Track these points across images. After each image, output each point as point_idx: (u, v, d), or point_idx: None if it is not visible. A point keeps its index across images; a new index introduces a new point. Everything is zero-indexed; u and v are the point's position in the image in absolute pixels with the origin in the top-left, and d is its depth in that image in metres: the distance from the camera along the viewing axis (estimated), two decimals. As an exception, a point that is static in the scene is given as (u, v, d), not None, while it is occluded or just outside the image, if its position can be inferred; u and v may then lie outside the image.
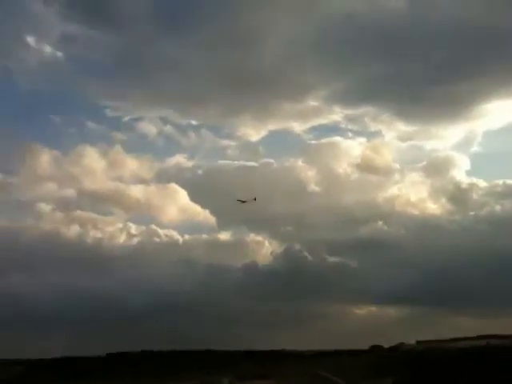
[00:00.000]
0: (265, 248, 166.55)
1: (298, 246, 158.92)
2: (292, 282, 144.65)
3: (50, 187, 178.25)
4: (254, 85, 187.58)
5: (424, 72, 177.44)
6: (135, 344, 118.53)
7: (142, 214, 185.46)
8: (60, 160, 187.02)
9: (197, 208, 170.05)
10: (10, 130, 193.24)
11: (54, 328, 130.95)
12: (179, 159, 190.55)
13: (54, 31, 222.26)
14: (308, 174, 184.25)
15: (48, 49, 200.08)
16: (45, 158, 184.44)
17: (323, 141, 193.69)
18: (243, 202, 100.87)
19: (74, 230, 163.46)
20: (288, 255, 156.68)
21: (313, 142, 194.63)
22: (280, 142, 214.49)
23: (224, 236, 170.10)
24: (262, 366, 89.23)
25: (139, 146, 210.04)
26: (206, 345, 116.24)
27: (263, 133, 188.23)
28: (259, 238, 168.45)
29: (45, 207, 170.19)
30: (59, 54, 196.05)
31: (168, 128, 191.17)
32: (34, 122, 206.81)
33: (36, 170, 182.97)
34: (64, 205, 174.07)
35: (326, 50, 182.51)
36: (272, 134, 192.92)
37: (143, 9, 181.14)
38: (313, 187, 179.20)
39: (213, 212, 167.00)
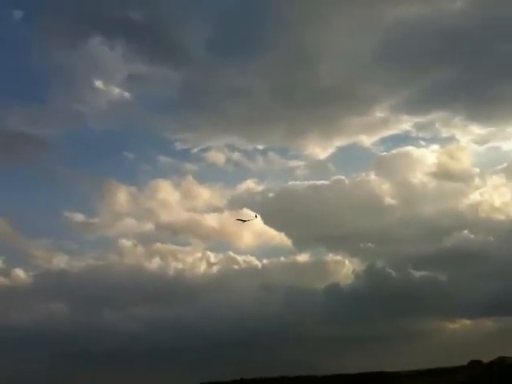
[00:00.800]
0: (345, 267, 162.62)
1: (380, 263, 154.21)
2: (377, 300, 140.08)
3: (130, 223, 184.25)
4: (317, 102, 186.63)
5: (493, 70, 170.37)
6: (226, 373, 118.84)
7: (219, 241, 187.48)
8: (136, 196, 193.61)
9: (272, 231, 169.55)
10: (87, 171, 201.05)
11: (149, 360, 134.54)
12: (249, 184, 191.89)
13: (119, 73, 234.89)
14: (382, 187, 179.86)
15: (116, 90, 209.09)
16: (122, 195, 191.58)
17: (394, 152, 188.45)
18: (244, 220, 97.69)
19: (155, 263, 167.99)
20: (371, 273, 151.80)
21: (384, 153, 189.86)
22: (349, 157, 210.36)
23: (302, 258, 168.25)
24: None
25: (210, 175, 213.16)
26: (294, 371, 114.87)
27: (330, 150, 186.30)
28: (338, 258, 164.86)
29: (126, 243, 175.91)
30: (126, 93, 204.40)
31: (236, 155, 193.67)
32: (108, 161, 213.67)
33: (115, 208, 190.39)
34: (144, 239, 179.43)
35: (389, 59, 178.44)
36: (340, 150, 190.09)
37: (202, 40, 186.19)
38: (389, 200, 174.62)
39: (288, 234, 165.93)
